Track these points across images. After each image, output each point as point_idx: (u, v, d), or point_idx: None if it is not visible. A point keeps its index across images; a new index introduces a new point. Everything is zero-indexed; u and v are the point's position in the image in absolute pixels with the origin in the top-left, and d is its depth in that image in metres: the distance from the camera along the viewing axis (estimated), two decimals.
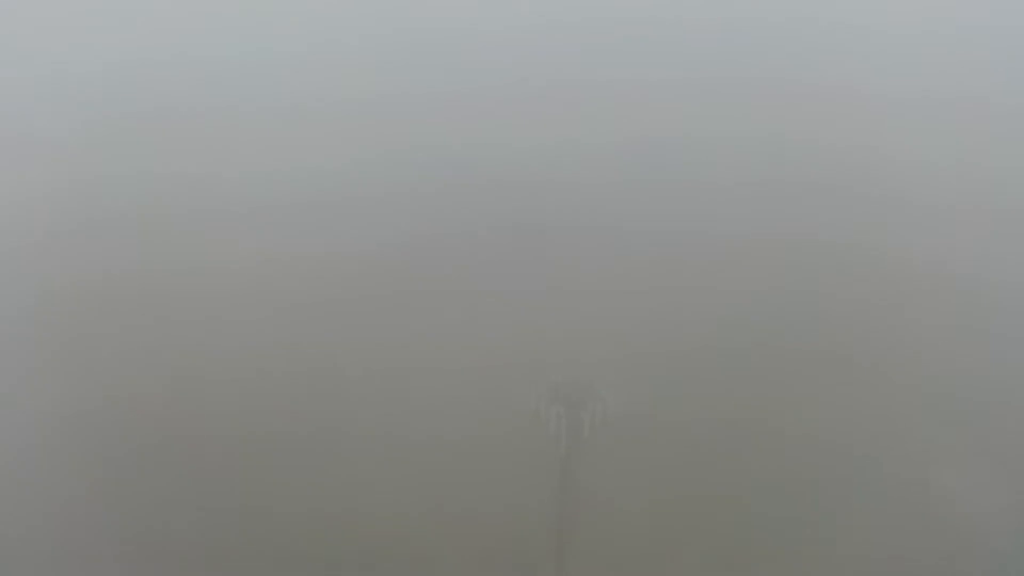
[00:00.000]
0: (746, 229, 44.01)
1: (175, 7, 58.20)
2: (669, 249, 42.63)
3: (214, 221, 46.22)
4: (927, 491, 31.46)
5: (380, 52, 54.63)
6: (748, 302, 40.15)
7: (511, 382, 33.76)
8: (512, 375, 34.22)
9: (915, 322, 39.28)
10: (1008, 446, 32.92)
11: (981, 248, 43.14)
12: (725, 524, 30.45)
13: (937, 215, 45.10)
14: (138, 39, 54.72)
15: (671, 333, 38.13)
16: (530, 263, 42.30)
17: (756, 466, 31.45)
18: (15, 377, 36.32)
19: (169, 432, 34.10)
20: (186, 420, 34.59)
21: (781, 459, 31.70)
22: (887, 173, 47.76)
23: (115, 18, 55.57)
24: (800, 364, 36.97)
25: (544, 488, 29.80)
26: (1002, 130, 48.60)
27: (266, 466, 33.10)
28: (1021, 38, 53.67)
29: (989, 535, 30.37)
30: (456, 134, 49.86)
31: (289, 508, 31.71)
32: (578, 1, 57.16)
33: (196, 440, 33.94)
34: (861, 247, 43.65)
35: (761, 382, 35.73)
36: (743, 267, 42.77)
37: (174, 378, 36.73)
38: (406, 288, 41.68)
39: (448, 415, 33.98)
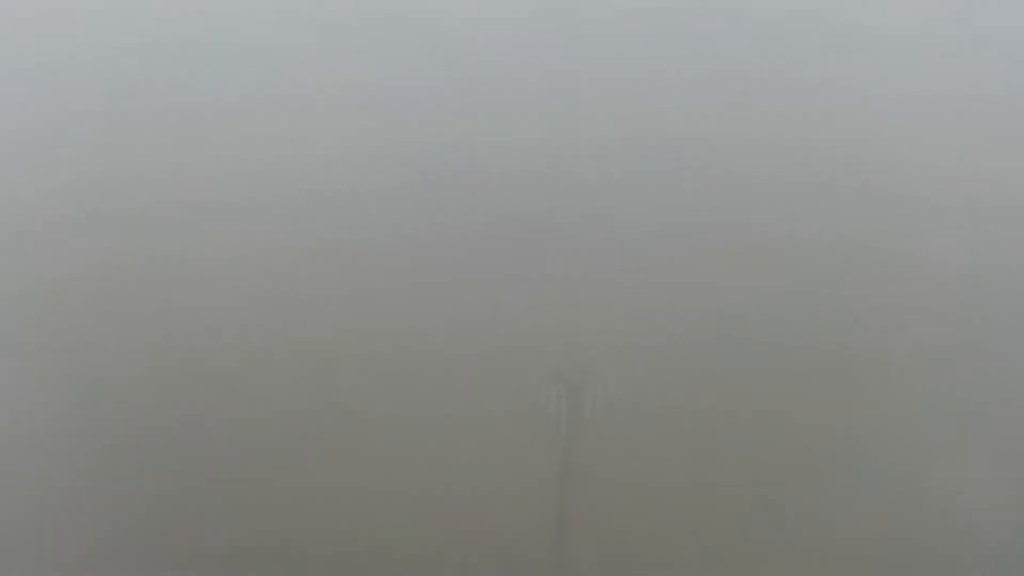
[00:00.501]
0: (746, 221, 44.25)
1: (175, 6, 58.70)
2: (670, 240, 42.90)
3: (215, 214, 46.37)
4: (924, 480, 31.64)
5: (379, 49, 54.98)
6: (748, 288, 40.34)
7: (512, 365, 34.07)
8: (513, 358, 34.54)
9: (912, 315, 39.46)
10: (1007, 441, 33.11)
11: (983, 245, 43.27)
12: (725, 504, 30.50)
13: (939, 212, 45.30)
14: (138, 37, 55.19)
15: (672, 316, 38.40)
16: (532, 251, 42.65)
17: (757, 446, 31.48)
18: (14, 371, 36.43)
19: (170, 423, 34.21)
20: (188, 407, 34.76)
21: (782, 441, 31.73)
22: (889, 170, 47.89)
23: (115, 16, 56.03)
24: (798, 350, 37.05)
25: (545, 469, 29.81)
26: (1004, 129, 48.91)
27: (271, 450, 33.12)
28: (1022, 39, 54.09)
29: (986, 527, 30.49)
30: (463, 128, 50.04)
31: (294, 488, 31.75)
32: (584, 8, 57.67)
33: (196, 426, 34.06)
34: (858, 241, 43.62)
35: (762, 366, 35.87)
36: (743, 257, 42.97)
37: (174, 368, 36.85)
38: (408, 275, 41.91)
39: (450, 397, 33.94)
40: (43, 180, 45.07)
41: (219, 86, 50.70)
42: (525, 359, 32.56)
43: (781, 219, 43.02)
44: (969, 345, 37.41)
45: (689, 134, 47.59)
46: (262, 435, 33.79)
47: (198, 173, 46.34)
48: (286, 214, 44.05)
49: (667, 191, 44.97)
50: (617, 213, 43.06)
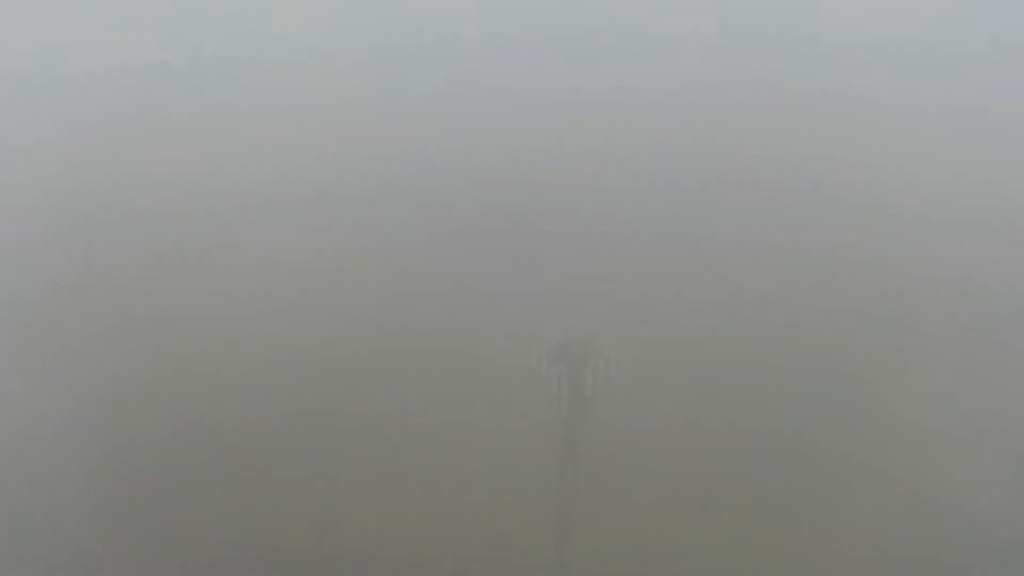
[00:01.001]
0: (744, 221, 44.56)
1: (177, 10, 59.27)
2: (670, 244, 43.14)
3: (216, 220, 46.66)
4: (924, 484, 31.52)
5: (380, 57, 55.51)
6: (750, 273, 40.53)
7: (513, 342, 33.98)
8: (513, 335, 34.39)
9: (913, 325, 39.61)
10: (1012, 449, 33.02)
11: (981, 256, 43.52)
12: (728, 484, 30.32)
13: (935, 224, 45.59)
14: (140, 42, 55.62)
15: (673, 292, 38.41)
16: (534, 241, 42.85)
17: (762, 426, 31.40)
18: (14, 375, 36.36)
19: (170, 429, 34.09)
20: (187, 413, 34.65)
21: (784, 421, 31.65)
22: (887, 182, 48.33)
23: (117, 21, 56.57)
24: (804, 331, 37.20)
25: (546, 448, 29.71)
26: (1002, 140, 49.32)
27: (272, 446, 33.09)
28: (1020, 50, 54.74)
29: (991, 534, 30.31)
30: (469, 136, 50.52)
31: (294, 481, 31.64)
32: (584, 8, 58.38)
33: (197, 429, 33.94)
34: (851, 247, 44.18)
35: (764, 343, 35.89)
36: (745, 257, 43.21)
37: (175, 376, 36.82)
38: (411, 262, 41.99)
39: (452, 377, 34.00)
40: (45, 185, 45.42)
41: (221, 94, 51.16)
42: (525, 337, 32.46)
43: (782, 219, 43.30)
44: (974, 355, 37.37)
45: (692, 143, 47.96)
46: (263, 435, 33.71)
47: (200, 179, 46.65)
48: (289, 219, 44.26)
49: (668, 195, 45.25)
50: (619, 215, 43.21)
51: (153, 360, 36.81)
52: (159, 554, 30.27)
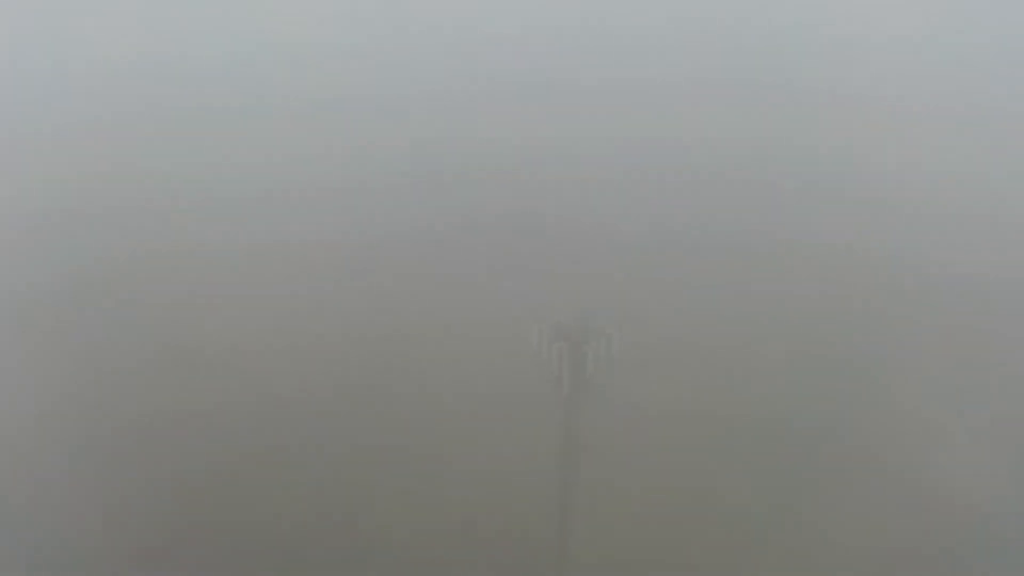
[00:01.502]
0: (741, 220, 44.79)
1: (177, 10, 59.54)
2: (671, 231, 43.32)
3: (214, 213, 46.79)
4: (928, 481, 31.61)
5: (381, 53, 55.94)
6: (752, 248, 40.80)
7: (514, 322, 34.24)
8: (515, 315, 34.49)
9: (915, 319, 39.72)
10: (1010, 442, 33.06)
11: (979, 249, 43.68)
12: (728, 462, 30.31)
13: (936, 218, 45.75)
14: (140, 42, 56.08)
15: (674, 271, 38.53)
16: (534, 231, 43.13)
17: (762, 406, 31.36)
18: (15, 368, 36.31)
19: (172, 419, 34.06)
20: (189, 403, 34.65)
21: (785, 400, 31.64)
22: (886, 177, 48.59)
23: (118, 21, 56.86)
24: (806, 315, 37.32)
25: (548, 426, 29.61)
26: (1000, 137, 49.56)
27: (271, 444, 33.11)
28: (1018, 49, 54.98)
29: (989, 529, 30.33)
30: (474, 128, 50.81)
31: (303, 462, 31.64)
32: (584, 5, 58.65)
33: (196, 425, 33.91)
34: (859, 244, 44.36)
35: (765, 319, 35.96)
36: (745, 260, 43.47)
37: (175, 365, 36.82)
38: (414, 247, 42.26)
39: (453, 357, 33.98)
40: (45, 180, 45.54)
41: (225, 91, 51.47)
42: (527, 317, 32.56)
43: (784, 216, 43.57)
44: (974, 348, 37.45)
45: (691, 138, 48.28)
46: (267, 425, 33.70)
47: (203, 174, 46.93)
48: (297, 210, 44.55)
49: (671, 187, 45.50)
50: (620, 208, 43.42)
51: (151, 351, 36.85)
52: (160, 544, 30.15)
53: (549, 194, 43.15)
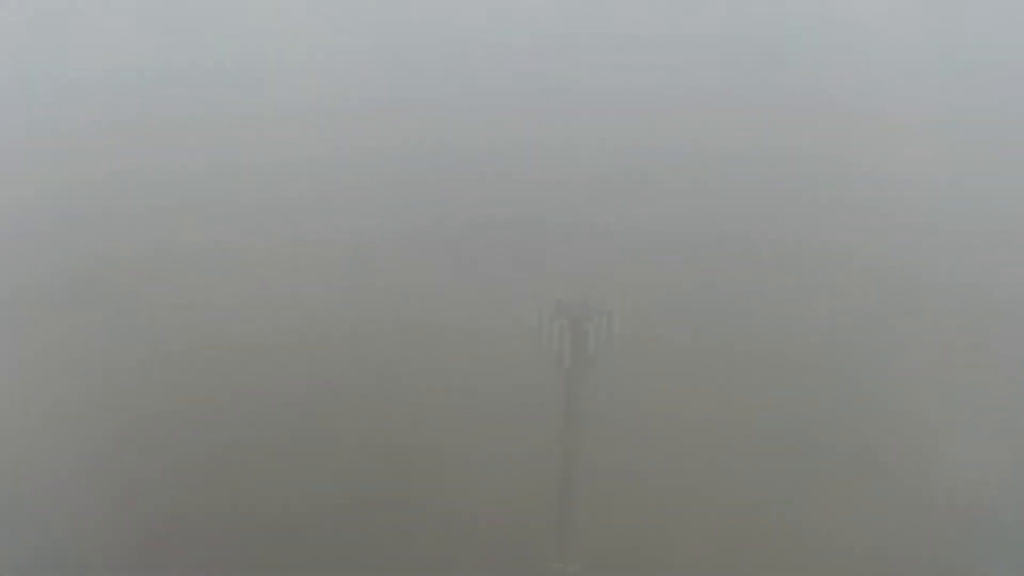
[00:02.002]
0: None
1: (178, 11, 60.19)
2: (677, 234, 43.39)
3: (217, 213, 46.88)
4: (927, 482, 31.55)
5: (382, 60, 56.09)
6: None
7: (516, 300, 34.03)
8: (516, 293, 34.40)
9: (912, 323, 39.70)
10: (1007, 444, 32.97)
11: (980, 252, 43.64)
12: (730, 436, 30.33)
13: (936, 221, 45.81)
14: (140, 44, 56.31)
15: (676, 248, 38.63)
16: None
17: (762, 375, 31.46)
18: (15, 367, 36.27)
19: (171, 416, 34.14)
20: (189, 400, 34.64)
21: (785, 379, 31.72)
22: (887, 182, 48.68)
23: (118, 23, 57.38)
24: (808, 293, 37.38)
25: (549, 405, 29.58)
26: (996, 145, 49.78)
27: (281, 421, 33.21)
28: (1017, 57, 55.45)
29: (988, 530, 30.27)
30: (473, 135, 51.09)
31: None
32: (586, 13, 59.28)
33: (196, 423, 33.91)
34: (857, 250, 44.44)
35: (767, 297, 36.03)
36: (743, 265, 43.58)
37: (175, 364, 36.80)
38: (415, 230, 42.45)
39: (454, 334, 34.08)
40: (48, 181, 45.79)
41: (226, 95, 51.81)
42: (529, 294, 32.48)
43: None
44: (971, 351, 37.46)
45: (692, 140, 48.50)
46: (263, 430, 33.67)
47: (204, 176, 47.12)
48: (291, 211, 44.64)
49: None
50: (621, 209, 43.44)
51: (149, 351, 36.88)
52: (160, 544, 30.07)
53: (551, 193, 43.32)
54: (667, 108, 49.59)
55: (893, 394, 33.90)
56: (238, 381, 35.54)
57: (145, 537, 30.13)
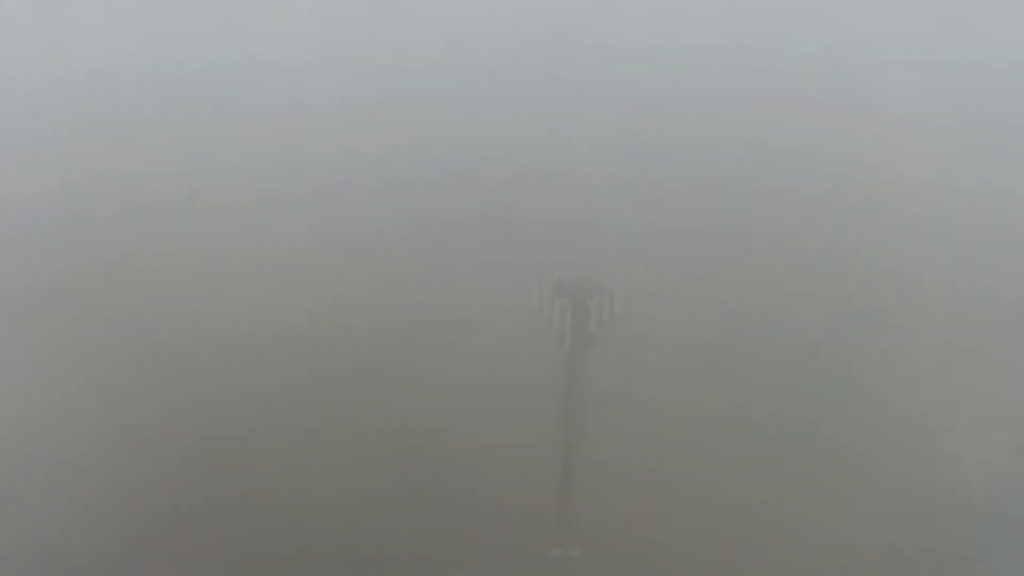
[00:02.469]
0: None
1: (178, 9, 60.65)
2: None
3: (217, 213, 46.99)
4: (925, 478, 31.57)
5: (379, 58, 56.61)
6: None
7: (515, 277, 33.85)
8: (516, 270, 34.28)
9: (914, 317, 39.76)
10: (1008, 443, 33.04)
11: (982, 251, 43.89)
12: (734, 421, 30.24)
13: (938, 221, 46.02)
14: (139, 41, 56.70)
15: (678, 226, 38.55)
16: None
17: (767, 360, 31.42)
18: (12, 371, 36.29)
19: (169, 421, 34.05)
20: (187, 404, 34.60)
21: (789, 363, 31.64)
22: (890, 183, 49.02)
23: (117, 20, 57.79)
24: (806, 278, 37.36)
25: (549, 387, 29.57)
26: (996, 145, 50.13)
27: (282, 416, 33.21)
28: (1018, 55, 55.91)
29: (987, 522, 30.28)
30: (467, 134, 51.22)
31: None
32: (581, 13, 59.74)
33: (195, 421, 33.87)
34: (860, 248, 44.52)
35: (772, 284, 35.97)
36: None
37: (174, 369, 36.80)
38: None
39: (454, 312, 34.05)
40: (49, 181, 45.93)
41: (222, 94, 51.97)
42: (528, 272, 32.48)
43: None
44: (970, 351, 37.58)
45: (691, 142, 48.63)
46: (263, 429, 33.65)
47: (204, 175, 47.24)
48: (292, 209, 44.68)
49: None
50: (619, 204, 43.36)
51: (148, 351, 36.79)
52: (159, 543, 30.01)
53: (552, 191, 43.44)
54: (667, 107, 49.84)
55: (901, 383, 33.97)
56: (239, 378, 35.50)
57: (146, 537, 30.05)
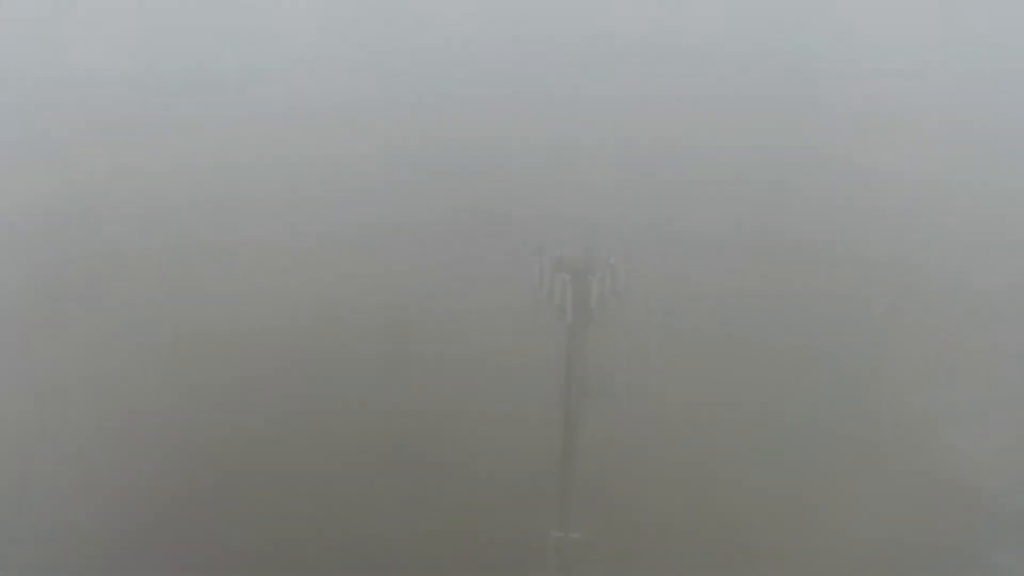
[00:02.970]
0: None
1: (178, 11, 61.00)
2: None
3: (217, 213, 47.02)
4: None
5: (383, 61, 56.96)
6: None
7: (517, 253, 33.52)
8: (518, 246, 34.10)
9: (917, 319, 39.60)
10: (1009, 438, 32.86)
11: (983, 250, 43.76)
12: (736, 403, 30.16)
13: (939, 221, 45.92)
14: (140, 44, 57.01)
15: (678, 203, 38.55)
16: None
17: (764, 332, 31.42)
18: (16, 366, 36.06)
19: (173, 414, 33.99)
20: (190, 396, 34.53)
21: (787, 344, 31.71)
22: (889, 182, 48.97)
23: (119, 23, 58.11)
24: (807, 249, 37.28)
25: (551, 360, 29.26)
26: (997, 145, 50.08)
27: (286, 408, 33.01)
28: (1017, 57, 55.84)
29: (989, 518, 30.08)
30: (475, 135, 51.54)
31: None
32: (590, 15, 60.07)
33: (194, 421, 33.75)
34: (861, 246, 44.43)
35: (774, 266, 35.92)
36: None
37: (177, 361, 36.64)
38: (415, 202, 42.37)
39: (455, 290, 34.05)
40: (51, 181, 46.07)
41: (231, 96, 52.33)
42: (530, 248, 32.20)
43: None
44: (971, 350, 37.46)
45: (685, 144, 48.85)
46: (263, 428, 33.48)
47: (211, 174, 47.52)
48: (292, 207, 44.98)
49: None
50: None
51: (152, 351, 36.70)
52: (158, 543, 29.79)
53: (552, 189, 43.60)
54: (669, 106, 50.07)
55: (905, 378, 33.78)
56: (240, 375, 35.48)
57: (144, 537, 29.78)
